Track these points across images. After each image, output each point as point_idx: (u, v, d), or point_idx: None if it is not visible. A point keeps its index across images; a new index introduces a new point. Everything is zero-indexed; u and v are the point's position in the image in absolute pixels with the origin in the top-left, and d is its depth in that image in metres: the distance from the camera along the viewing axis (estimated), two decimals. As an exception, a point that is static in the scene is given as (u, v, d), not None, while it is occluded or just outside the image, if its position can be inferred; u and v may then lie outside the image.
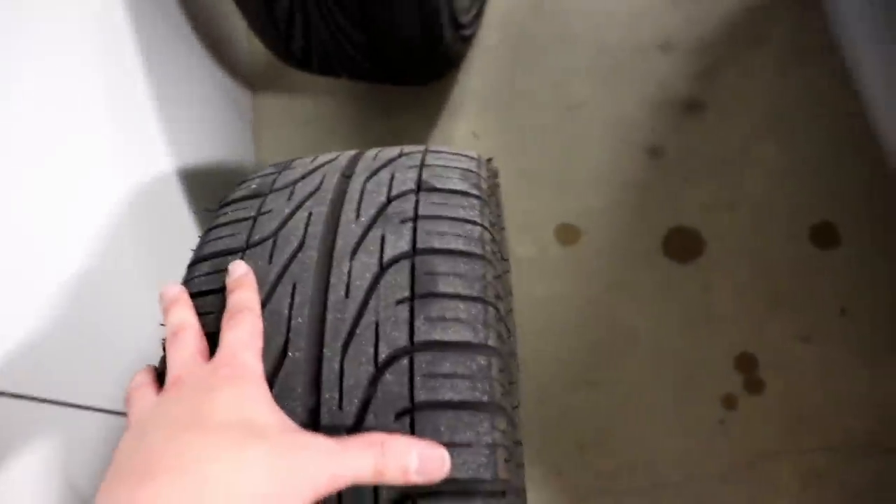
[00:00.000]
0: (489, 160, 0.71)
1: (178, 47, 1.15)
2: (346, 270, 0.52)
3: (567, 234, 1.30)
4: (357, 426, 0.47)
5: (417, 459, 0.44)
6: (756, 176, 1.29)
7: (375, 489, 0.47)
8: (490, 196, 0.63)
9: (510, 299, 0.71)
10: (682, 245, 1.27)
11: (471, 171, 0.62)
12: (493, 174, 0.70)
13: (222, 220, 0.61)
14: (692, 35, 1.39)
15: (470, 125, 1.38)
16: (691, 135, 1.33)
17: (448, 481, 0.46)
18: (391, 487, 0.46)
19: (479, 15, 1.35)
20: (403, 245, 0.53)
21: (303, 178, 0.63)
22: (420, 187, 0.58)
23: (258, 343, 0.50)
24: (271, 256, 0.55)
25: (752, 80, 1.35)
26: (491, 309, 0.51)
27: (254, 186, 0.64)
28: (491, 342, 0.50)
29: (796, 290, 1.23)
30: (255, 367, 0.48)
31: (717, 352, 1.21)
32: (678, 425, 1.18)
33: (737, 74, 1.36)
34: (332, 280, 0.52)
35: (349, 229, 0.55)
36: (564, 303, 1.25)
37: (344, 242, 0.54)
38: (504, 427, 0.48)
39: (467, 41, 1.29)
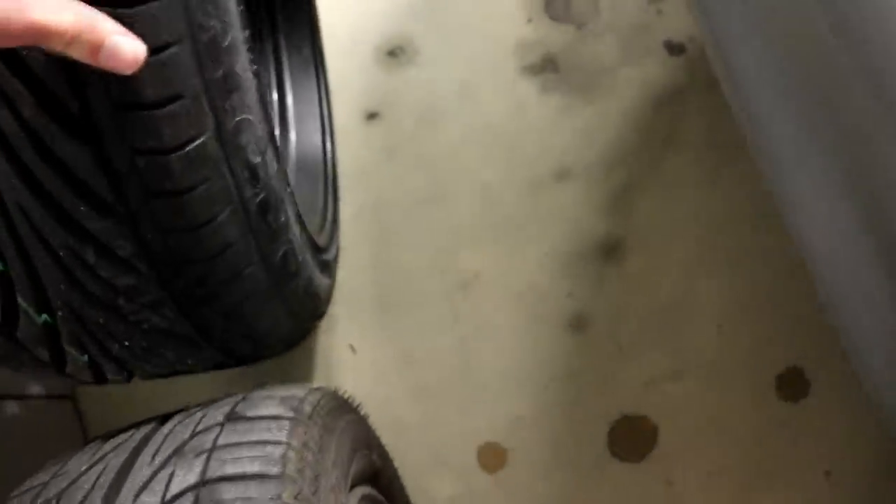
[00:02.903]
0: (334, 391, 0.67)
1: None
2: None
3: (491, 456, 1.09)
4: None
5: (115, 43, 0.42)
6: (701, 328, 1.08)
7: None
8: (316, 420, 0.58)
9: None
10: (631, 440, 1.08)
11: (294, 396, 0.58)
12: (338, 410, 0.65)
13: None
14: (592, 153, 1.10)
15: (346, 336, 1.12)
16: (616, 290, 1.09)
17: None
18: None
19: (336, 221, 1.04)
20: (191, 478, 0.50)
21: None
22: (228, 418, 0.55)
23: None
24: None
25: (674, 199, 1.09)
26: None
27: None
28: None
29: (773, 459, 1.06)
30: None
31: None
32: None
33: (654, 194, 1.10)
34: None
35: (140, 473, 0.52)
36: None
37: (130, 486, 0.51)
38: None
39: (331, 268, 0.99)
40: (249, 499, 0.49)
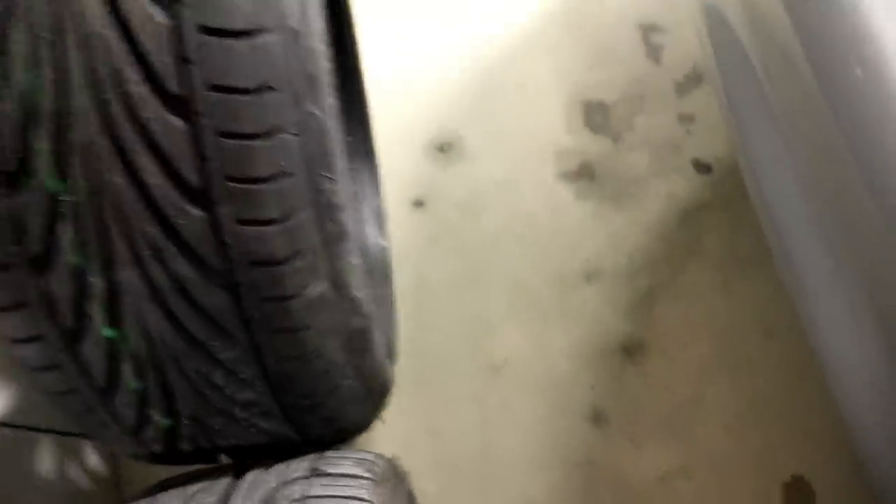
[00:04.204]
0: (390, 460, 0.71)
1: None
2: None
3: (507, 534, 1.14)
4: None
5: None
6: (712, 429, 1.14)
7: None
8: (386, 483, 0.64)
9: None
10: (642, 532, 1.13)
11: (366, 459, 0.64)
12: (397, 476, 0.71)
13: None
14: (620, 257, 1.18)
15: (380, 409, 1.17)
16: (634, 387, 1.16)
17: None
18: None
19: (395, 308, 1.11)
20: None
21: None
22: (312, 473, 0.60)
23: None
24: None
25: (693, 305, 1.17)
26: None
27: None
28: None
29: (773, 562, 1.10)
30: None
31: None
32: None
33: (675, 300, 1.17)
34: None
35: None
36: None
37: None
38: None
39: (394, 355, 1.05)
40: None
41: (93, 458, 1.14)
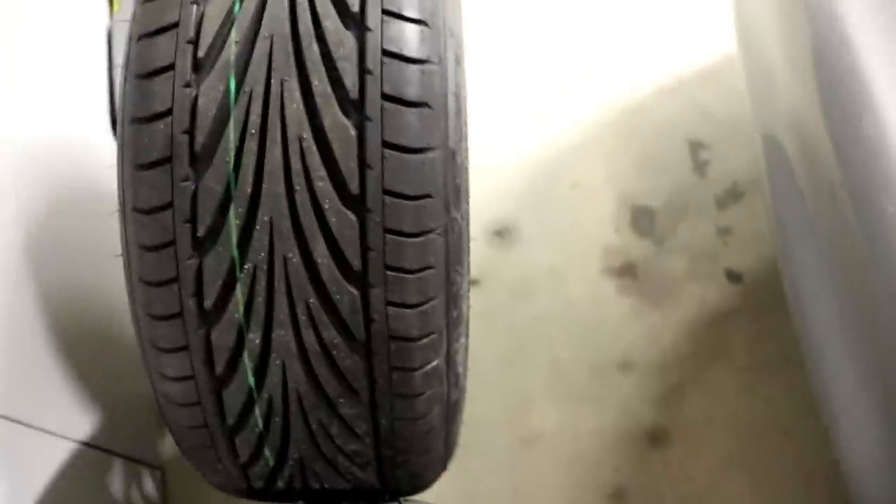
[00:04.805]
0: None
1: None
2: None
3: None
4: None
5: None
6: (726, 521, 1.22)
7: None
8: None
9: None
10: None
11: None
12: None
13: None
14: (653, 351, 1.29)
15: (418, 469, 1.26)
16: (656, 473, 1.24)
17: None
18: None
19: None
20: None
21: None
22: None
23: None
24: None
25: (717, 402, 1.27)
26: None
27: None
28: None
29: None
30: None
31: None
32: None
33: (701, 395, 1.27)
34: None
35: None
36: None
37: None
38: None
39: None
40: None
41: (149, 485, 1.23)
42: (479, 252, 1.33)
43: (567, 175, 1.37)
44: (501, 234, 1.35)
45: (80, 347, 1.03)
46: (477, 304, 1.32)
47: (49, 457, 0.92)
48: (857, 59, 0.74)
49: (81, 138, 1.22)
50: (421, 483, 0.84)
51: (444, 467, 0.88)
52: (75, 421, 0.97)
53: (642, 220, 1.35)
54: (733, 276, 1.33)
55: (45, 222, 1.02)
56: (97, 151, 1.26)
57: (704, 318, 1.32)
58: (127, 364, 1.20)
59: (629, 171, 1.37)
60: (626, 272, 1.32)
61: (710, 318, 1.31)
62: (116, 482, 1.10)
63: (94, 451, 1.01)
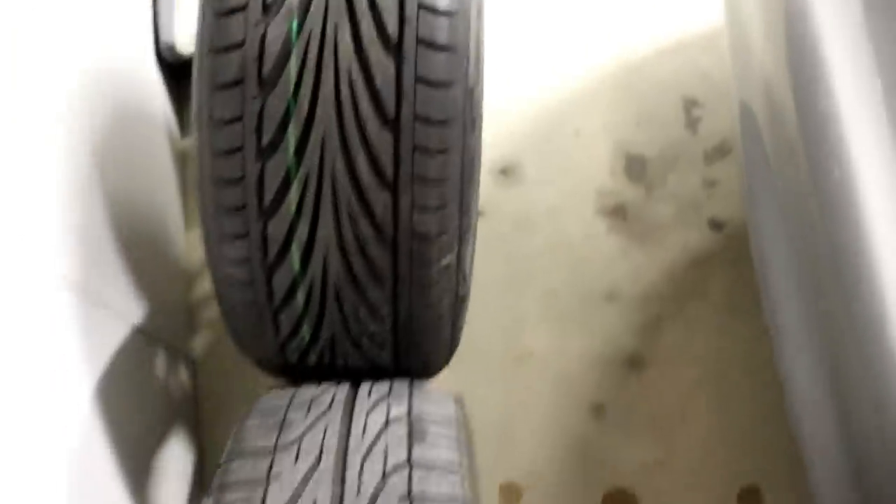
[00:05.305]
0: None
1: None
2: None
3: (510, 493, 1.39)
4: None
5: None
6: (691, 434, 1.39)
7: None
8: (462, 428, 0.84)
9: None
10: (619, 508, 1.38)
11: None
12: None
13: None
14: (637, 286, 1.44)
15: (422, 376, 1.43)
16: (632, 393, 1.41)
17: None
18: None
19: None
20: None
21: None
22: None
23: None
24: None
25: (693, 336, 1.42)
26: None
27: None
28: None
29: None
30: None
31: None
32: None
33: (677, 329, 1.43)
34: None
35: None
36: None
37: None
38: None
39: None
40: None
41: (184, 375, 1.40)
42: (485, 187, 1.47)
43: (570, 122, 1.51)
44: (506, 172, 1.50)
45: (135, 243, 1.19)
46: (481, 234, 1.48)
47: (110, 335, 1.08)
48: (816, 33, 0.86)
49: (131, 69, 1.36)
50: (427, 370, 1.00)
51: (447, 358, 1.05)
52: (132, 306, 1.13)
53: (635, 167, 1.49)
54: (715, 225, 1.48)
55: (109, 138, 1.17)
56: (145, 78, 1.40)
57: (686, 261, 1.47)
58: (173, 261, 1.37)
59: (627, 123, 1.51)
60: (618, 214, 1.47)
61: (692, 261, 1.47)
62: (159, 368, 1.27)
63: (144, 336, 1.17)
